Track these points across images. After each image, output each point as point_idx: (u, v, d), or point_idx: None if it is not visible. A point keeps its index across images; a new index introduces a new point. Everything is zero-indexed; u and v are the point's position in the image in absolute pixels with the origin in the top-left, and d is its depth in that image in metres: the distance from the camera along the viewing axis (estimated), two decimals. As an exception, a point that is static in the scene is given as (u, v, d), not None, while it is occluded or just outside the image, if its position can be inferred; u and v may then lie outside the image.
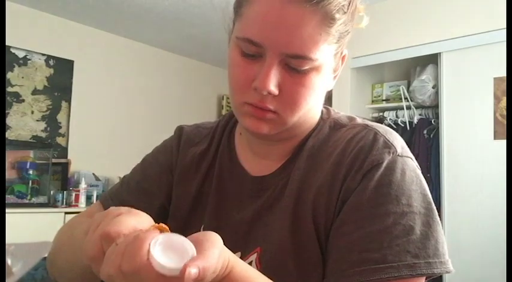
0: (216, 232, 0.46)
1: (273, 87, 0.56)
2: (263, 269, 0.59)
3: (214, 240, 0.44)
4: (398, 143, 0.61)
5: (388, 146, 0.59)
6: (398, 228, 0.53)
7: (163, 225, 0.44)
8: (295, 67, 0.56)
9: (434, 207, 0.58)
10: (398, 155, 0.59)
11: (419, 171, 0.61)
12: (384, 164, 0.57)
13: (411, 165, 0.60)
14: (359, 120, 0.67)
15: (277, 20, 0.54)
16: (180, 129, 0.79)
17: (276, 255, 0.60)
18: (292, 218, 0.61)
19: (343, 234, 0.55)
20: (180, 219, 0.72)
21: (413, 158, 0.62)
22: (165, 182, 0.75)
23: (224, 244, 0.45)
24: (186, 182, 0.73)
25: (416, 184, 0.58)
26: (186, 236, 0.43)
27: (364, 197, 0.56)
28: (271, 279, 0.52)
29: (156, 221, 0.45)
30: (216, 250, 0.43)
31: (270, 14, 0.54)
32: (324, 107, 0.71)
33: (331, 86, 0.65)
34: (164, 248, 0.40)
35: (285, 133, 0.64)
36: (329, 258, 0.57)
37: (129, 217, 0.44)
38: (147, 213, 0.46)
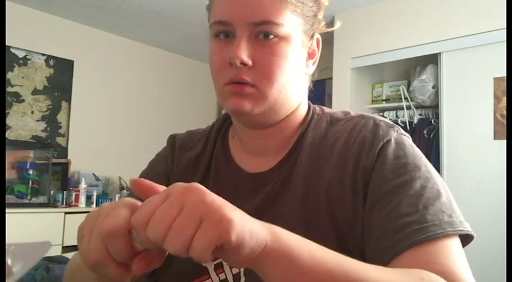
0: None
1: (244, 56, 0.59)
2: None
3: None
4: (396, 125, 0.66)
5: (391, 125, 0.65)
6: (428, 191, 0.56)
7: None
8: (264, 35, 0.60)
9: None
10: (401, 133, 0.64)
11: None
12: (393, 140, 0.62)
13: (413, 143, 0.65)
14: (353, 114, 0.70)
15: None
16: (172, 137, 0.80)
17: None
18: (301, 214, 0.61)
19: (378, 211, 0.57)
20: None
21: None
22: None
23: None
24: None
25: (424, 157, 0.62)
26: None
27: (386, 171, 0.59)
28: None
29: None
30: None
31: None
32: (318, 106, 0.73)
33: (310, 70, 0.69)
34: None
35: (271, 115, 0.65)
36: (370, 238, 0.57)
37: (124, 209, 0.41)
38: None
